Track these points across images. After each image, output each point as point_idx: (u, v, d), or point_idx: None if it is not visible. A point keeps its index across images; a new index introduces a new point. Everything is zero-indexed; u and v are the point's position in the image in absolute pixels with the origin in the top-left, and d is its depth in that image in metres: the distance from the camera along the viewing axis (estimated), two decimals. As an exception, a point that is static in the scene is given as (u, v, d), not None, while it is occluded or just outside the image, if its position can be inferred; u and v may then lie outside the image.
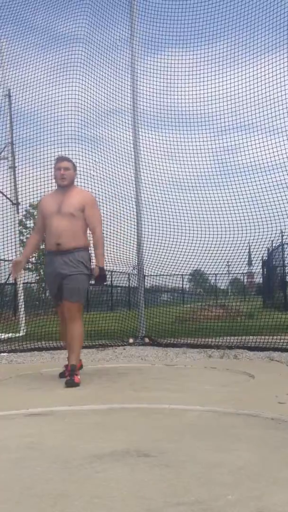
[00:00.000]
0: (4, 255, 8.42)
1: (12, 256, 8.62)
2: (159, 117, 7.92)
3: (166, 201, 7.48)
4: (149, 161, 7.73)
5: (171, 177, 7.74)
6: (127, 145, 7.87)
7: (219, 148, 7.59)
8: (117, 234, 7.57)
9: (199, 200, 7.62)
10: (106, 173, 7.76)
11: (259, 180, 7.17)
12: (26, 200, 8.52)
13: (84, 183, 7.48)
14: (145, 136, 7.87)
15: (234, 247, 7.24)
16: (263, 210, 6.98)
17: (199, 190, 7.71)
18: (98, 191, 7.54)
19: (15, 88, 8.35)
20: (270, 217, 6.92)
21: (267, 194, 6.99)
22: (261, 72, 7.06)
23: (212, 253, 7.36)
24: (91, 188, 7.49)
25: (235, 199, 7.36)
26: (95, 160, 7.73)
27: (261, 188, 7.09)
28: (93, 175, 7.57)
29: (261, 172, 7.22)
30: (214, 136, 7.66)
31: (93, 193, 7.18)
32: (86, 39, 8.00)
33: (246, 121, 7.40)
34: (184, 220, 7.51)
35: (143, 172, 7.74)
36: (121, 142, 7.92)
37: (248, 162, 7.38)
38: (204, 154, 7.63)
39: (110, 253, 7.25)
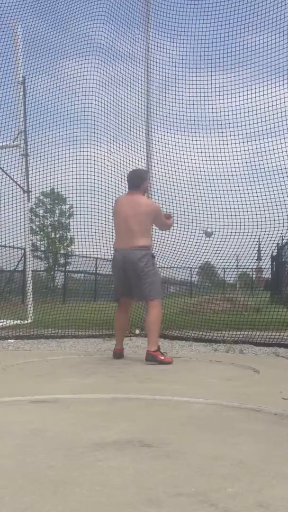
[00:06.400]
0: (15, 242, 8.48)
1: (21, 243, 8.65)
2: (174, 119, 7.94)
3: (176, 194, 7.47)
4: (161, 154, 7.74)
5: (182, 171, 7.74)
6: (139, 135, 7.88)
7: (232, 147, 7.60)
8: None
9: (211, 195, 7.63)
10: (118, 162, 7.77)
11: (272, 175, 7.17)
12: (37, 188, 8.55)
13: (97, 176, 7.52)
14: (159, 134, 7.89)
15: (244, 241, 7.25)
16: (274, 206, 7.00)
17: (211, 185, 7.72)
18: (111, 182, 7.56)
19: (30, 75, 8.36)
20: (281, 213, 6.93)
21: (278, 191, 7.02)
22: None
23: (221, 247, 7.37)
24: (103, 181, 7.54)
25: (248, 194, 7.37)
26: (109, 151, 7.75)
27: (273, 184, 7.11)
28: (107, 165, 7.59)
29: (274, 168, 7.23)
30: (227, 136, 7.69)
31: (106, 183, 7.29)
32: (103, 30, 7.99)
33: (247, 122, 7.46)
34: (194, 214, 7.52)
35: (155, 165, 7.74)
36: (134, 130, 7.94)
37: (261, 160, 7.38)
38: (217, 151, 7.65)
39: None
